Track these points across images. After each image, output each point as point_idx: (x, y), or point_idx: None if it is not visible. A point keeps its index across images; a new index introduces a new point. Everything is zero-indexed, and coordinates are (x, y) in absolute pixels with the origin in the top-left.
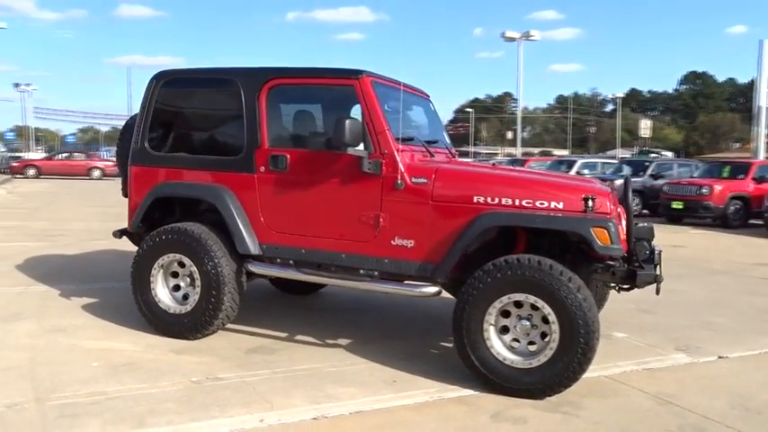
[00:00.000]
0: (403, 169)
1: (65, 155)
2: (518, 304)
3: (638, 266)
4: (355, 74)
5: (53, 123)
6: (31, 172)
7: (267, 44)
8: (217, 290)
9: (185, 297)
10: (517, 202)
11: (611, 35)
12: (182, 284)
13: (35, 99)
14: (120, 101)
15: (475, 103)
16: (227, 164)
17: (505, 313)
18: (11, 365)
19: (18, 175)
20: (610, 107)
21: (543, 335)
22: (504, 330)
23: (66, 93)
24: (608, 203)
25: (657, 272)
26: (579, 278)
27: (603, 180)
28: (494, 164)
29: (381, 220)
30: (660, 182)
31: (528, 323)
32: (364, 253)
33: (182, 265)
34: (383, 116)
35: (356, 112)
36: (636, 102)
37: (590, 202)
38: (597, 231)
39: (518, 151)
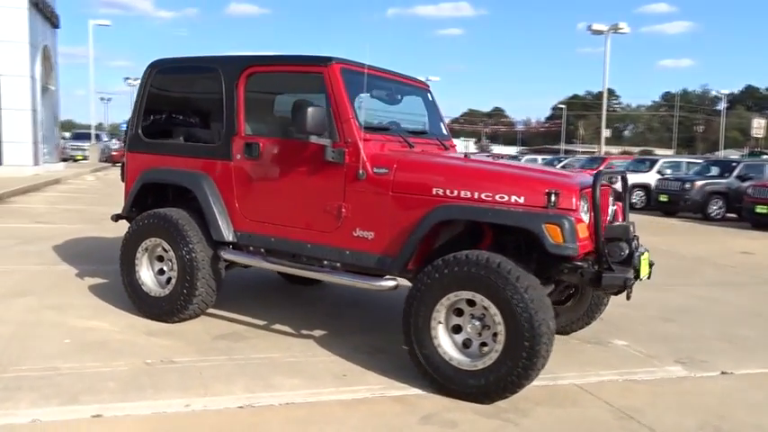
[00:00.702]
0: (365, 159)
1: None
2: (471, 303)
3: (606, 268)
4: (324, 61)
5: None
6: None
7: (366, 40)
8: (191, 275)
9: (169, 281)
10: (476, 195)
11: (726, 29)
12: (165, 269)
13: None
14: None
15: (573, 99)
16: (208, 151)
17: (459, 312)
18: None
19: (117, 164)
20: (722, 105)
21: (496, 336)
22: (456, 329)
23: None
24: (573, 199)
25: (641, 275)
26: (533, 277)
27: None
28: (466, 155)
29: (344, 210)
30: (746, 184)
31: (479, 323)
32: (327, 243)
33: (166, 249)
34: (349, 104)
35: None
36: (752, 100)
37: (552, 197)
38: (549, 228)
39: (602, 150)
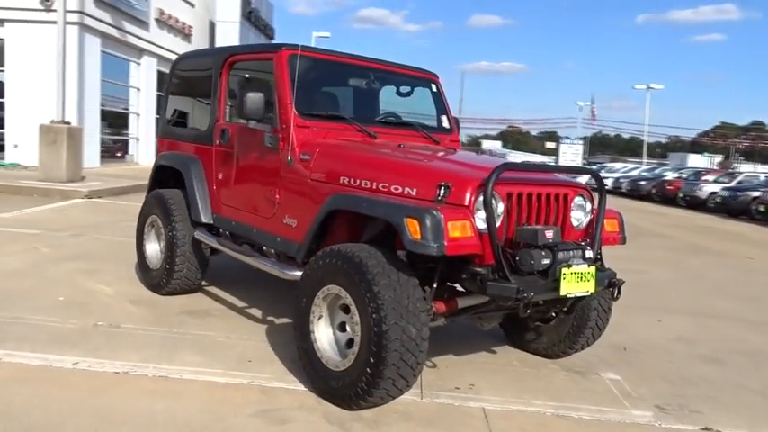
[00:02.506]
0: (294, 145)
1: None
2: None
3: (501, 277)
4: (276, 48)
5: None
6: None
7: (613, 48)
8: (171, 252)
9: None
10: (374, 186)
11: None
12: None
13: None
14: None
15: None
16: (200, 137)
17: (347, 308)
18: (10, 287)
19: None
20: None
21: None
22: (343, 327)
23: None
24: (467, 194)
25: (563, 291)
26: (399, 277)
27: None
28: (400, 146)
29: (277, 196)
30: None
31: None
32: (266, 229)
33: None
34: (290, 90)
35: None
36: None
37: (442, 190)
38: (409, 222)
39: None
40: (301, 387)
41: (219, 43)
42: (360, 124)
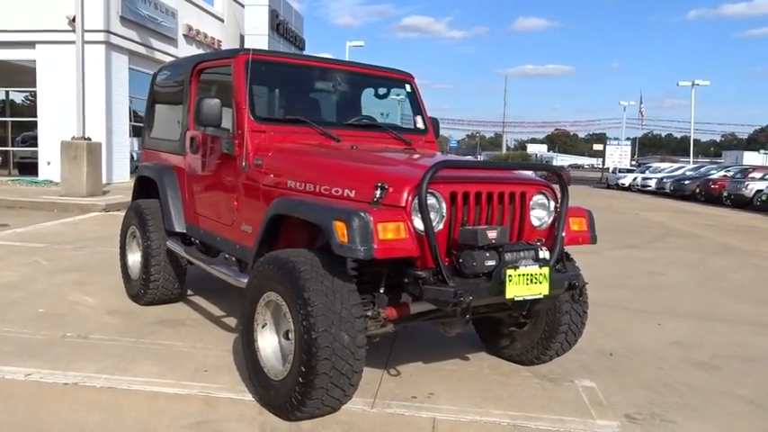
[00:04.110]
0: (249, 150)
1: None
2: None
3: (440, 280)
4: (234, 53)
5: (445, 131)
6: None
7: (662, 45)
8: (146, 262)
9: None
10: (317, 189)
11: None
12: None
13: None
14: (507, 108)
15: None
16: (173, 146)
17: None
18: None
19: None
20: None
21: None
22: (288, 335)
23: (462, 102)
24: (404, 194)
25: (509, 294)
26: (333, 282)
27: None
28: (353, 147)
29: (235, 203)
30: None
31: None
32: (226, 237)
33: None
34: (245, 95)
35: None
36: None
37: (379, 191)
38: (338, 225)
39: None
40: (249, 397)
41: None
42: (321, 127)
